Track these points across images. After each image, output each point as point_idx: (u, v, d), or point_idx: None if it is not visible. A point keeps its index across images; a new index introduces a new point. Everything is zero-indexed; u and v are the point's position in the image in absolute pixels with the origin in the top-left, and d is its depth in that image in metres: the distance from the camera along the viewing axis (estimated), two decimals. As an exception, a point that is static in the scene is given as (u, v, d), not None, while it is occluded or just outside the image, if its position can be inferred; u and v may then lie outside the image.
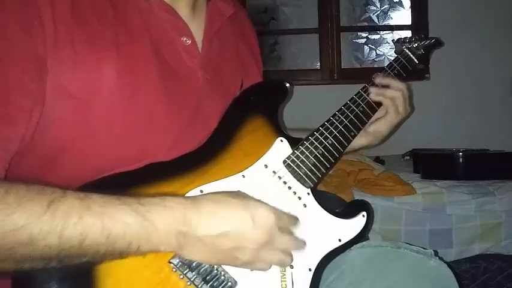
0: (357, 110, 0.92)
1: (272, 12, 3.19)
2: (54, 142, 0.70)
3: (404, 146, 2.56)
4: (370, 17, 3.18)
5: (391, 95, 0.95)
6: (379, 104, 0.96)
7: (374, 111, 0.95)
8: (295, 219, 0.74)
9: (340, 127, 0.88)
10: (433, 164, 2.02)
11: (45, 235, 0.55)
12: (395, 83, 0.97)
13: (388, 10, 3.16)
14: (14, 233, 0.54)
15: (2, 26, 0.63)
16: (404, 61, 1.05)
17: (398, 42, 1.11)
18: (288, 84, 0.89)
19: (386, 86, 0.96)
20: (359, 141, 0.97)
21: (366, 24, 3.20)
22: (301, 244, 0.73)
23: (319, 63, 3.09)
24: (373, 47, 3.20)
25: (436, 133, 2.83)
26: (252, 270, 0.70)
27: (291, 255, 0.71)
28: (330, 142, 0.86)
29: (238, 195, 0.67)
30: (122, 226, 0.59)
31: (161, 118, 0.76)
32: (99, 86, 0.70)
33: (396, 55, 1.08)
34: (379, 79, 0.97)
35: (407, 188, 1.80)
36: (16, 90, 0.63)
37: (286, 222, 0.71)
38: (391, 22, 3.17)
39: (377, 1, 3.16)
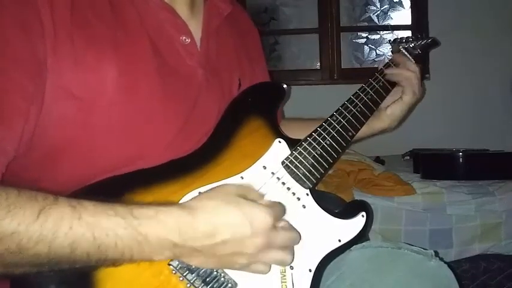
0: (354, 111, 0.92)
1: (272, 12, 3.19)
2: (54, 142, 0.70)
3: (404, 146, 2.56)
4: (370, 17, 3.18)
5: (407, 74, 1.00)
6: (377, 104, 0.97)
7: (372, 111, 0.96)
8: (284, 207, 0.72)
9: (338, 127, 0.88)
10: (433, 164, 2.02)
11: (34, 244, 0.54)
12: (410, 63, 1.03)
13: (388, 10, 3.17)
14: (2, 241, 0.53)
15: (0, 27, 0.63)
16: None
17: (394, 43, 1.13)
18: (285, 86, 0.89)
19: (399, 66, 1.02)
20: (379, 124, 1.03)
21: (366, 24, 3.20)
22: (296, 236, 0.72)
23: (319, 63, 3.10)
24: (373, 47, 3.20)
25: (436, 133, 2.83)
26: (251, 273, 0.69)
27: (292, 252, 0.70)
28: (328, 143, 0.86)
29: (233, 199, 0.65)
30: (114, 238, 0.58)
31: (160, 116, 0.76)
32: (100, 85, 0.70)
33: (393, 55, 1.09)
34: (396, 57, 1.05)
35: (407, 188, 1.80)
36: (13, 92, 0.62)
37: (281, 216, 0.70)
38: (391, 22, 3.17)
39: (377, 1, 3.16)
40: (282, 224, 0.69)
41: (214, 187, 0.68)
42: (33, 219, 0.54)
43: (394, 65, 1.03)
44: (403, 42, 1.11)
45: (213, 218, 0.63)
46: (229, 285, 0.69)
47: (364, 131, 0.97)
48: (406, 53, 1.08)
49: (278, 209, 0.69)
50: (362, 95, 0.95)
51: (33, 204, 0.55)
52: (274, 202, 0.72)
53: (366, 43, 3.21)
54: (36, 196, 0.56)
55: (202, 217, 0.63)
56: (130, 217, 0.59)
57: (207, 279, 0.68)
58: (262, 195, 0.73)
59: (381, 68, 1.03)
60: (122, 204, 0.61)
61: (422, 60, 1.11)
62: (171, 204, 0.64)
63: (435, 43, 1.14)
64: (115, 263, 0.60)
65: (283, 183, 0.80)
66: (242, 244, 0.64)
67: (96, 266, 0.60)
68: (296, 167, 0.81)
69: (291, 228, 0.71)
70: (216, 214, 0.63)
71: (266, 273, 0.69)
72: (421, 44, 1.11)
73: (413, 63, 1.03)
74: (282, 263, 0.72)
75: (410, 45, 1.10)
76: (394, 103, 1.02)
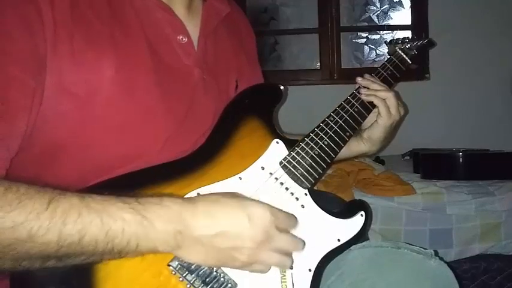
0: (351, 111, 0.92)
1: (272, 12, 3.19)
2: (53, 140, 0.70)
3: (404, 146, 2.56)
4: (370, 17, 3.18)
5: (382, 95, 0.95)
6: (373, 104, 0.96)
7: (369, 111, 0.96)
8: (293, 218, 0.73)
9: (335, 127, 0.88)
10: (433, 164, 2.02)
11: (44, 232, 0.55)
12: (377, 86, 0.97)
13: (388, 10, 3.16)
14: (13, 230, 0.54)
15: (1, 24, 0.63)
16: (397, 62, 1.06)
17: (391, 44, 1.13)
18: (282, 87, 0.90)
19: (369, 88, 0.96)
20: (357, 147, 0.99)
21: (366, 24, 3.20)
22: (299, 244, 0.73)
23: (319, 63, 3.09)
24: (373, 47, 3.20)
25: (436, 133, 2.82)
26: (251, 272, 0.70)
27: (291, 257, 0.71)
28: (325, 143, 0.86)
29: (234, 195, 0.67)
30: (121, 223, 0.59)
31: (157, 115, 0.77)
32: (98, 83, 0.70)
33: (389, 56, 1.09)
34: (361, 80, 0.97)
35: (407, 188, 1.80)
36: (15, 88, 0.63)
37: (283, 221, 0.71)
38: (391, 22, 3.17)
39: (377, 1, 3.16)
40: (284, 227, 0.70)
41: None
42: (44, 208, 0.56)
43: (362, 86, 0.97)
44: (399, 43, 1.11)
45: (212, 209, 0.65)
46: (229, 285, 0.69)
47: (344, 152, 0.92)
48: (402, 53, 1.08)
49: (279, 212, 0.70)
50: (359, 95, 0.95)
51: (42, 195, 0.57)
52: (279, 209, 0.72)
53: (366, 43, 3.21)
54: (45, 188, 0.58)
55: (203, 207, 0.64)
56: (136, 203, 0.61)
57: (207, 280, 0.68)
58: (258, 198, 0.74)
59: (379, 68, 1.04)
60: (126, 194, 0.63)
61: (419, 61, 1.11)
62: (173, 196, 0.66)
63: (431, 44, 1.14)
64: (121, 252, 0.60)
65: (282, 184, 0.80)
66: (241, 237, 0.65)
67: (102, 257, 0.61)
68: (294, 167, 0.81)
69: (294, 236, 0.72)
70: (215, 205, 0.65)
71: (265, 272, 0.69)
72: (417, 44, 1.11)
73: (385, 88, 0.97)
74: (281, 266, 0.72)
75: (407, 46, 1.10)
76: (370, 127, 0.98)
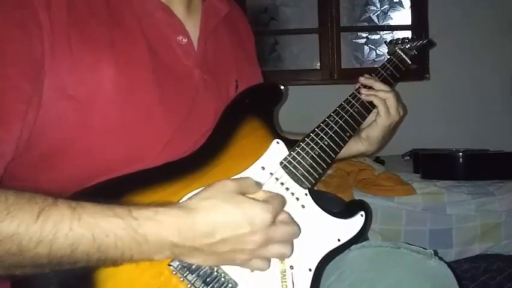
0: (351, 111, 0.92)
1: (272, 12, 3.19)
2: (52, 143, 0.70)
3: (404, 146, 2.56)
4: (370, 17, 3.18)
5: (382, 95, 0.96)
6: (373, 105, 0.96)
7: (369, 111, 0.96)
8: (283, 199, 0.72)
9: (336, 128, 0.88)
10: (433, 164, 2.02)
11: (35, 245, 0.54)
12: (379, 85, 0.98)
13: (388, 10, 3.16)
14: (2, 243, 0.53)
15: None
16: (397, 62, 1.07)
17: (391, 44, 1.13)
18: (282, 87, 0.89)
19: (371, 88, 0.97)
20: (356, 147, 1.00)
21: (366, 24, 3.20)
22: (296, 229, 0.72)
23: (319, 63, 3.09)
24: (373, 47, 3.20)
25: (436, 133, 2.83)
26: (252, 270, 0.70)
27: (291, 245, 0.70)
28: (325, 143, 0.86)
29: (232, 197, 0.65)
30: (113, 238, 0.58)
31: (157, 116, 0.76)
32: (97, 86, 0.70)
33: (389, 56, 1.09)
34: (363, 79, 0.98)
35: (407, 188, 1.81)
36: (11, 93, 0.62)
37: (281, 209, 0.70)
38: (391, 22, 3.17)
39: (377, 1, 3.16)
40: (281, 217, 0.70)
41: (213, 184, 0.67)
42: (33, 221, 0.54)
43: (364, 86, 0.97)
44: (399, 43, 1.11)
45: (212, 218, 0.63)
46: (230, 285, 0.69)
47: (342, 152, 0.92)
48: (402, 54, 1.08)
49: (277, 203, 0.69)
50: (359, 95, 0.95)
51: (32, 205, 0.55)
52: (274, 195, 0.72)
53: (366, 43, 3.21)
54: (35, 198, 0.56)
55: (201, 217, 0.63)
56: (130, 217, 0.60)
57: (208, 280, 0.68)
58: (261, 188, 0.73)
59: (379, 68, 1.04)
60: (120, 205, 0.61)
61: (419, 61, 1.11)
62: (170, 205, 0.65)
63: (431, 44, 1.14)
64: (115, 262, 0.60)
65: (282, 184, 0.80)
66: (241, 241, 0.64)
67: (97, 266, 0.61)
68: (294, 167, 0.81)
69: (291, 221, 0.71)
70: (215, 213, 0.64)
71: (266, 269, 0.69)
72: (417, 44, 1.11)
73: (387, 87, 0.98)
74: (281, 257, 0.72)
75: (406, 46, 1.10)
76: (369, 126, 0.99)
